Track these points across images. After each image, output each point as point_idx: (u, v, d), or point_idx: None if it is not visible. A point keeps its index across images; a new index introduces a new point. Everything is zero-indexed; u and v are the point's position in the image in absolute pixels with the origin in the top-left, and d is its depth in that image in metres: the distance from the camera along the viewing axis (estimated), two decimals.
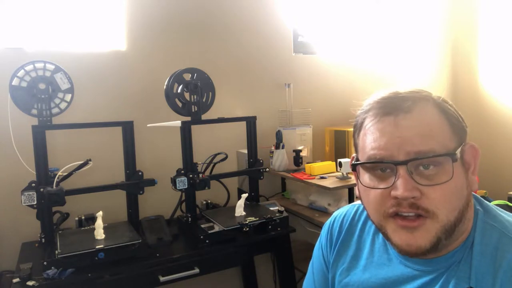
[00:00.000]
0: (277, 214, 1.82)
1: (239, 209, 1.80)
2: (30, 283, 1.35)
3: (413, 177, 0.64)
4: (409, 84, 0.74)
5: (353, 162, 0.73)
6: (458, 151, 0.66)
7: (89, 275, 1.42)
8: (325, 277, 0.88)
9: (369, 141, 0.69)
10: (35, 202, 1.53)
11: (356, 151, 0.74)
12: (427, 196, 0.64)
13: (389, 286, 0.74)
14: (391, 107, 0.67)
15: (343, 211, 0.90)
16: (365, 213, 0.85)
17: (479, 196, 0.75)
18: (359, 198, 0.75)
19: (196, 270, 1.61)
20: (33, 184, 1.55)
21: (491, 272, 0.65)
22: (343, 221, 0.87)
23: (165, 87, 1.83)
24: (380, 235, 0.79)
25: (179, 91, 1.83)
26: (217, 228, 1.71)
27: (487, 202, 0.74)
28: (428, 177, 0.64)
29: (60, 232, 1.64)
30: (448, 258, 0.69)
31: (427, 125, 0.66)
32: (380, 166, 0.67)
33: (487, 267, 0.65)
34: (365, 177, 0.70)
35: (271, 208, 1.95)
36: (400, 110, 0.67)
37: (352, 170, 0.73)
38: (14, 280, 1.37)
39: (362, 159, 0.70)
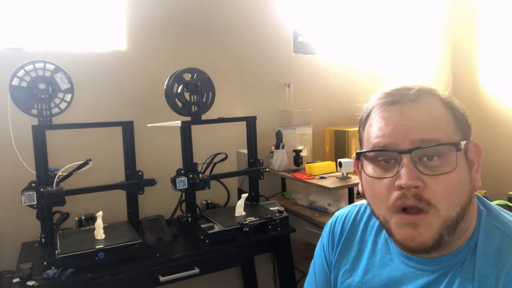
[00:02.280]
0: (277, 214, 1.82)
1: (239, 209, 1.80)
2: (30, 283, 1.35)
3: (417, 166, 0.64)
4: (415, 81, 0.75)
5: (356, 152, 0.73)
6: (462, 143, 0.66)
7: (89, 275, 1.42)
8: (327, 277, 0.88)
9: (374, 130, 0.69)
10: (35, 202, 1.53)
11: (361, 145, 0.74)
12: (429, 187, 0.64)
13: (392, 286, 0.74)
14: (398, 96, 0.68)
15: (344, 211, 0.90)
16: (367, 213, 0.85)
17: (482, 196, 0.75)
18: (362, 193, 0.75)
19: (196, 270, 1.61)
20: (33, 184, 1.55)
21: (494, 273, 0.64)
22: (345, 221, 0.87)
23: (165, 87, 1.83)
24: (382, 235, 0.79)
25: (179, 91, 1.83)
26: (217, 228, 1.71)
27: (490, 203, 0.74)
28: (432, 167, 0.64)
29: (60, 232, 1.63)
30: (451, 258, 0.69)
31: (432, 115, 0.66)
32: (384, 155, 0.67)
33: (490, 268, 0.65)
34: (369, 168, 0.70)
35: (271, 208, 1.95)
36: (406, 99, 0.67)
37: (356, 159, 0.73)
38: (14, 280, 1.37)
39: (367, 149, 0.70)
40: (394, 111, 0.67)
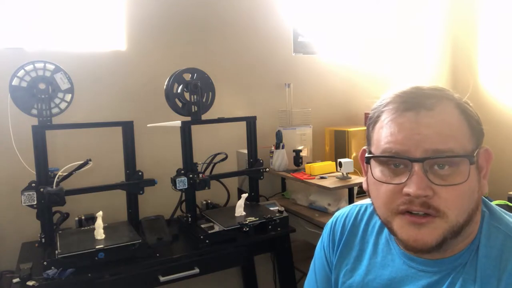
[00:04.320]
0: (277, 214, 1.82)
1: (239, 209, 1.80)
2: (30, 283, 1.35)
3: (427, 175, 0.63)
4: (431, 82, 0.72)
5: (366, 154, 0.71)
6: (475, 154, 0.65)
7: (89, 275, 1.42)
8: (328, 277, 0.88)
9: (386, 134, 0.67)
10: (35, 202, 1.53)
11: (369, 144, 0.73)
12: (439, 196, 0.63)
13: (394, 286, 0.74)
14: (413, 103, 0.66)
15: (345, 211, 0.89)
16: (367, 213, 0.84)
17: (484, 197, 0.75)
18: (366, 191, 0.74)
19: (196, 270, 1.61)
20: (33, 184, 1.55)
21: (496, 275, 0.65)
22: (346, 221, 0.87)
23: (165, 87, 1.83)
24: (383, 235, 0.79)
25: (179, 91, 1.83)
26: (217, 228, 1.71)
27: (491, 204, 0.74)
28: (442, 177, 0.63)
29: (60, 232, 1.63)
30: (453, 260, 0.69)
31: (447, 124, 0.64)
32: (394, 161, 0.66)
33: (492, 270, 0.65)
34: (377, 170, 0.69)
35: (271, 208, 1.95)
36: (422, 107, 0.65)
37: (366, 163, 0.72)
38: (14, 280, 1.37)
39: (376, 152, 0.69)
40: (408, 117, 0.65)
